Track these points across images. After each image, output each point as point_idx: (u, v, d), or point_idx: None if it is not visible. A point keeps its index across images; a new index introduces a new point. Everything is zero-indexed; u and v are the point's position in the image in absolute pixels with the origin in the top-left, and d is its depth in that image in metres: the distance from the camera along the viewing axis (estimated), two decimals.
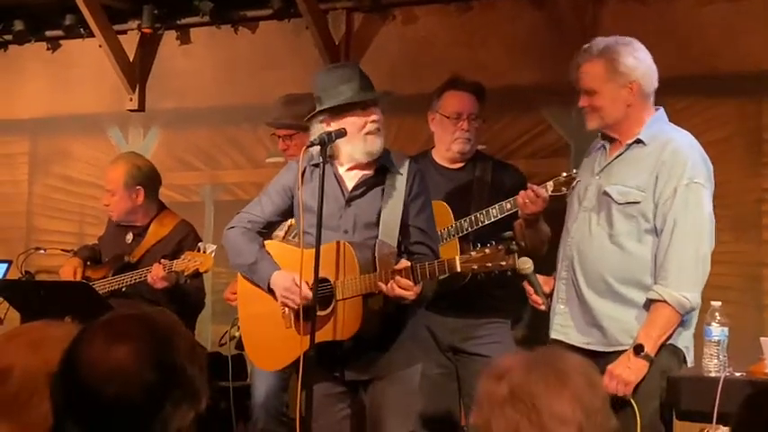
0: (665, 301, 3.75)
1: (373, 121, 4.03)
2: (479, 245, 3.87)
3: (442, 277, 3.96)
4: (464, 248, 4.58)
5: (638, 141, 3.89)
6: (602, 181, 3.93)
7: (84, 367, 1.91)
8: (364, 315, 3.93)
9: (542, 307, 3.94)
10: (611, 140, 3.97)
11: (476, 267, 3.81)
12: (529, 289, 3.98)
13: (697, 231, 3.79)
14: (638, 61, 3.90)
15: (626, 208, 3.85)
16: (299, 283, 3.98)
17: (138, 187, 5.31)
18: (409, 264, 3.89)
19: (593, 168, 4.01)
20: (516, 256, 3.75)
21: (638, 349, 3.74)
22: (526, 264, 3.85)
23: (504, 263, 3.77)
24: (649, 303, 3.80)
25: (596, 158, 4.02)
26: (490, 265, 3.79)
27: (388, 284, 3.86)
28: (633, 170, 3.88)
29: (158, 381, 1.92)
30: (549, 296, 4.00)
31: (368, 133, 4.03)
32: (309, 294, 3.93)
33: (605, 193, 3.89)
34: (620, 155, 3.93)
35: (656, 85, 3.95)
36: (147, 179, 5.37)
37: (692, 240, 3.77)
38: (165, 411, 1.92)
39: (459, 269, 3.83)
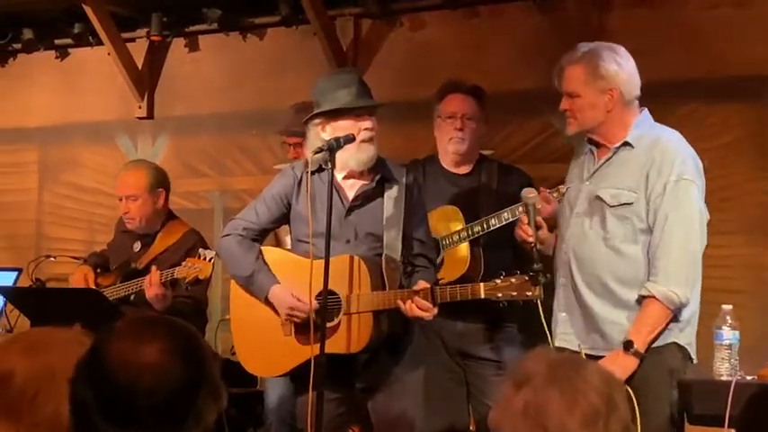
0: (654, 297, 3.72)
1: (366, 129, 4.01)
2: (504, 274, 3.86)
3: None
4: (474, 252, 4.60)
5: (626, 144, 3.88)
6: (592, 186, 3.92)
7: (115, 365, 1.95)
8: (374, 330, 3.95)
9: (531, 239, 3.86)
10: (598, 145, 3.96)
11: (500, 295, 3.83)
12: (523, 218, 3.94)
13: (686, 228, 3.76)
14: (620, 67, 3.88)
15: (618, 210, 3.83)
16: (300, 297, 3.98)
17: (160, 189, 5.21)
18: (429, 286, 3.90)
19: (582, 174, 4.00)
20: (542, 287, 3.75)
21: (627, 345, 3.70)
22: (531, 193, 3.89)
23: (529, 293, 3.78)
24: (641, 300, 3.76)
25: (584, 164, 4.01)
26: (515, 294, 3.80)
27: (407, 304, 3.89)
28: (623, 172, 3.86)
29: (189, 376, 1.97)
30: (535, 246, 3.88)
31: (361, 141, 4.01)
32: (315, 306, 3.94)
33: (598, 198, 3.87)
34: (608, 159, 3.92)
35: (637, 92, 3.92)
36: (167, 181, 5.29)
37: (682, 237, 3.75)
38: (196, 406, 1.97)
39: (483, 296, 3.85)
